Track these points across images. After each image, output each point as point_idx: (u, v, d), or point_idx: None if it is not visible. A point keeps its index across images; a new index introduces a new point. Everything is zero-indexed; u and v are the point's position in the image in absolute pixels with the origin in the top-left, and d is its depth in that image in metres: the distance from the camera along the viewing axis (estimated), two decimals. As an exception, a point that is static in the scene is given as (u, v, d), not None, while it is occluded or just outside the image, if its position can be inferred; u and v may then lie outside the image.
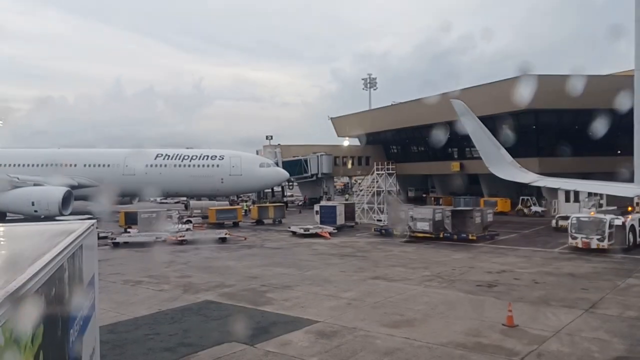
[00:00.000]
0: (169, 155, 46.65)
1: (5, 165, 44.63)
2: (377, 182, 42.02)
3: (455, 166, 52.25)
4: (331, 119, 67.92)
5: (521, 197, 46.56)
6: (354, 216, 39.32)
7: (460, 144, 50.96)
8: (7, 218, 39.44)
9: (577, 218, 26.26)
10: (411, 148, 61.48)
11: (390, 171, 42.79)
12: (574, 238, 25.89)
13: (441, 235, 30.07)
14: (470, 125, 15.35)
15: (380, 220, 38.43)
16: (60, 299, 5.16)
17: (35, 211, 37.20)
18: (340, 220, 36.78)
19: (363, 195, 43.90)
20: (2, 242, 6.78)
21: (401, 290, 17.33)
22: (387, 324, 13.55)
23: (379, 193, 41.53)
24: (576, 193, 37.19)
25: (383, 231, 33.60)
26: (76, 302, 5.89)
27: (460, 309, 15.06)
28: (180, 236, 30.43)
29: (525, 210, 45.77)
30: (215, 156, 47.11)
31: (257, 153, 58.63)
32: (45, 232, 7.27)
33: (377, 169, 42.65)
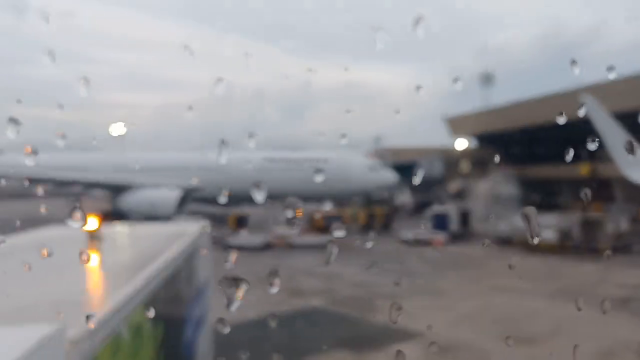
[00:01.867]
0: (275, 159, 48.27)
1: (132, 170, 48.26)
2: (494, 186, 40.50)
3: (583, 169, 48.91)
4: (444, 119, 66.43)
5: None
6: (469, 223, 38.14)
7: (590, 145, 47.61)
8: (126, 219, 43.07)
9: None
10: (532, 149, 58.45)
11: (509, 174, 41.06)
12: None
13: (568, 245, 28.33)
14: (601, 124, 14.39)
15: (499, 228, 36.98)
16: (177, 299, 5.59)
17: (153, 213, 40.26)
18: (454, 227, 35.88)
19: (479, 200, 42.49)
20: (125, 242, 7.46)
21: (522, 304, 16.60)
22: (505, 340, 13.06)
23: (496, 198, 39.98)
24: None
25: (501, 239, 32.30)
26: (192, 302, 6.34)
27: (590, 326, 14.12)
28: (288, 240, 31.38)
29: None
30: (322, 159, 47.99)
31: (365, 156, 58.84)
32: (162, 233, 7.89)
33: (495, 173, 41.11)
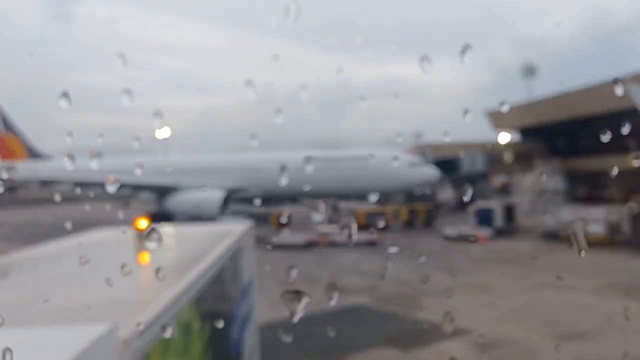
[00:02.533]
0: (316, 158, 48.40)
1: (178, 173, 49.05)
2: (540, 180, 39.55)
3: (632, 160, 47.17)
4: (486, 113, 65.14)
5: None
6: (514, 218, 37.37)
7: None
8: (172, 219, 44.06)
9: None
10: (578, 141, 56.79)
11: (555, 168, 40.02)
12: None
13: (619, 239, 27.41)
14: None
15: (545, 223, 36.12)
16: (224, 297, 5.67)
17: (198, 213, 41.03)
18: (499, 222, 35.21)
19: (524, 195, 41.56)
20: (172, 242, 7.61)
21: (570, 300, 16.16)
22: (553, 336, 12.73)
23: (542, 192, 39.02)
24: None
25: (548, 235, 31.52)
26: (238, 301, 6.43)
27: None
28: (331, 238, 31.44)
29: None
30: (362, 157, 47.88)
31: (406, 152, 58.35)
32: (207, 233, 8.01)
33: (540, 166, 40.13)
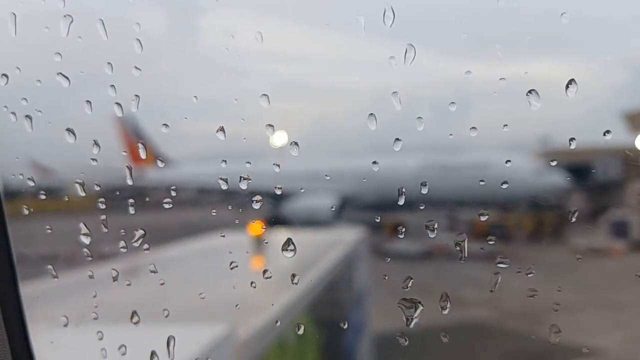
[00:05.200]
0: (432, 164, 47.47)
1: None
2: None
3: None
4: (623, 115, 60.15)
5: None
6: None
7: None
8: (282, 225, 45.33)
9: None
10: None
11: None
12: None
13: None
14: None
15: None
16: (338, 305, 5.73)
17: (313, 219, 41.80)
18: (636, 235, 32.39)
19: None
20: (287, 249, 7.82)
21: None
22: None
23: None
24: None
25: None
26: (352, 309, 6.46)
27: None
28: (447, 249, 30.69)
29: None
30: (483, 163, 46.19)
31: (531, 157, 55.40)
32: (322, 239, 8.14)
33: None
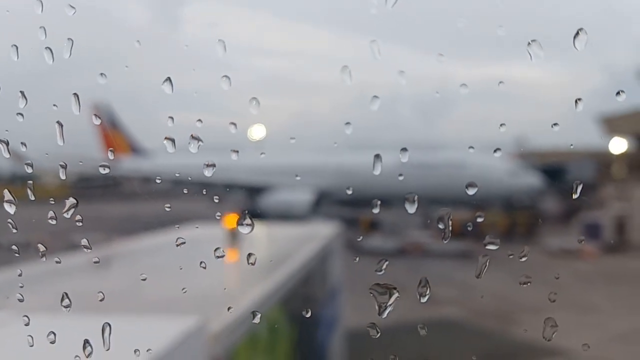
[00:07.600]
0: (409, 162, 47.70)
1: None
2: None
3: None
4: (598, 118, 61.23)
5: None
6: (625, 232, 34.99)
7: None
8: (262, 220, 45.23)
9: None
10: None
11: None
12: None
13: None
14: None
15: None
16: (311, 299, 5.75)
17: (288, 214, 41.80)
18: (608, 236, 33.11)
19: (637, 207, 38.82)
20: (261, 242, 7.81)
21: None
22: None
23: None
24: None
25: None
26: (325, 303, 6.49)
27: None
28: (423, 246, 30.98)
29: None
30: (457, 162, 46.59)
31: (506, 158, 56.10)
32: (297, 234, 8.16)
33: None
